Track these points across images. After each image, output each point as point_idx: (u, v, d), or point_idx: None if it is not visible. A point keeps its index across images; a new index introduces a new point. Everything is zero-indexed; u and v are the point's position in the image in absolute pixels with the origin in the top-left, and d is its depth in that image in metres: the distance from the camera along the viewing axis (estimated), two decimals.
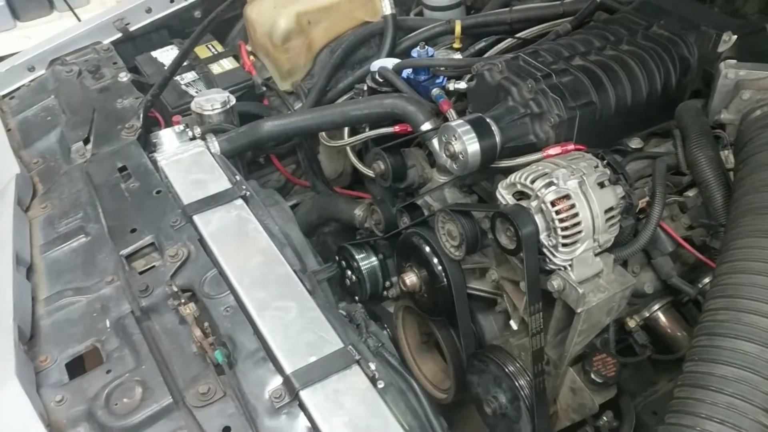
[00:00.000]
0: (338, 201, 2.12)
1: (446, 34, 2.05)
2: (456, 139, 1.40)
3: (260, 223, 1.50)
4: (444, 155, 1.46)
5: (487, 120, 1.42)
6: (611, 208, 1.30)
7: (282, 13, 2.08)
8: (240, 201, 1.54)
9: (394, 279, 1.85)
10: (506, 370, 1.51)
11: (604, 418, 1.51)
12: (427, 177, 1.78)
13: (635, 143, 1.54)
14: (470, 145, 1.39)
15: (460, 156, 1.41)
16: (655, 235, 1.43)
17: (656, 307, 1.55)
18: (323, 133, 2.02)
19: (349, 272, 1.97)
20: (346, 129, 1.98)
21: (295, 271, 1.38)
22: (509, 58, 1.54)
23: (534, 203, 1.28)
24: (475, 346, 1.68)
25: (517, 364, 1.50)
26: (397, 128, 1.80)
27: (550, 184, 1.27)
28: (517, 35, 1.88)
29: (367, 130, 1.91)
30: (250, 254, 1.42)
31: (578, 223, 1.27)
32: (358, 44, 2.17)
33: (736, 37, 1.50)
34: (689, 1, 1.72)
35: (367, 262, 1.94)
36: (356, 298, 1.98)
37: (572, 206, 1.26)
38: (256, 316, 1.29)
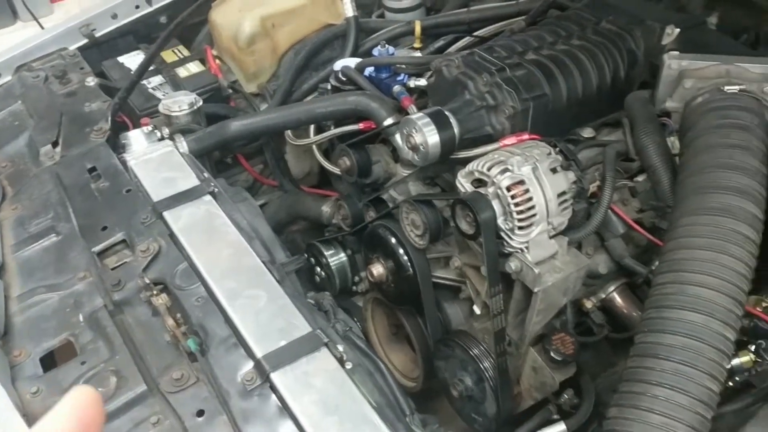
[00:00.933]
0: (306, 199, 2.17)
1: (407, 35, 2.11)
2: (417, 131, 1.46)
3: (229, 217, 1.54)
4: (406, 147, 1.52)
5: (446, 113, 1.48)
6: (563, 192, 1.37)
7: (246, 17, 2.13)
8: (208, 197, 1.58)
9: (363, 274, 1.90)
10: (471, 353, 1.57)
11: (565, 396, 1.57)
12: (392, 172, 1.84)
13: (587, 132, 1.61)
14: (430, 136, 1.45)
15: (421, 147, 1.47)
16: (607, 218, 1.50)
17: (612, 288, 1.62)
18: (289, 132, 2.07)
19: (318, 269, 2.01)
20: (312, 128, 2.03)
21: (263, 262, 1.43)
22: (466, 54, 1.61)
23: (491, 189, 1.35)
24: (441, 332, 1.74)
25: (482, 347, 1.56)
26: (361, 125, 1.85)
27: (505, 170, 1.34)
28: (475, 33, 1.94)
29: (332, 128, 1.96)
30: (220, 247, 1.46)
31: (532, 207, 1.33)
32: (321, 46, 2.22)
33: (678, 30, 1.59)
34: None
35: (336, 258, 1.99)
36: (327, 293, 2.03)
37: (526, 191, 1.33)
38: (227, 305, 1.33)
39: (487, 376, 1.54)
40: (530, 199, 1.33)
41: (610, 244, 1.54)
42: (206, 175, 1.65)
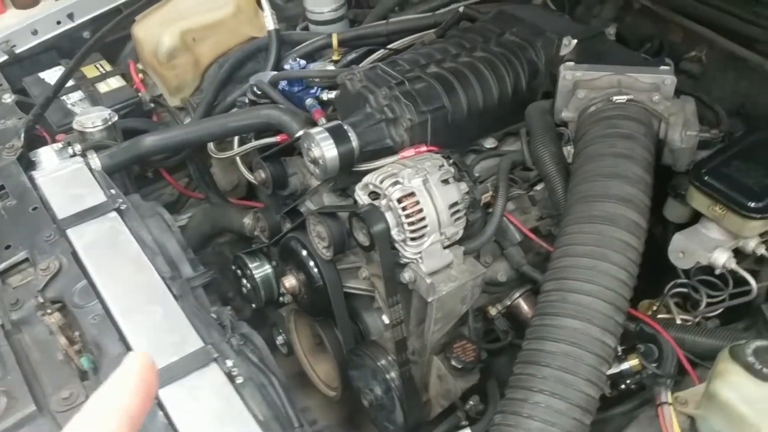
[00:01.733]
0: (229, 211, 2.18)
1: (328, 47, 2.13)
2: (315, 146, 1.48)
3: (134, 234, 1.54)
4: (307, 161, 1.53)
5: (345, 127, 1.51)
6: (455, 203, 1.39)
7: (166, 31, 2.13)
8: (114, 214, 1.58)
9: None
10: (378, 363, 1.59)
11: (471, 402, 1.59)
12: (308, 184, 1.85)
13: (489, 143, 1.65)
14: (328, 150, 1.47)
15: (320, 161, 1.49)
16: (504, 226, 1.53)
17: (517, 294, 1.65)
18: (211, 145, 2.08)
19: (244, 280, 2.02)
20: (236, 140, 2.04)
21: (163, 278, 1.43)
22: (369, 68, 1.63)
23: (384, 202, 1.37)
24: (355, 342, 1.76)
25: (389, 357, 1.58)
26: (279, 138, 1.87)
27: (396, 183, 1.36)
28: (388, 46, 1.97)
29: (253, 140, 1.97)
30: (121, 264, 1.46)
31: (423, 218, 1.36)
32: (245, 59, 2.23)
33: (575, 41, 1.63)
34: (541, 10, 1.85)
35: (260, 269, 1.99)
36: (253, 305, 2.04)
37: (417, 203, 1.35)
38: (122, 322, 1.34)
39: (394, 385, 1.56)
40: (421, 210, 1.35)
41: (508, 253, 1.57)
42: (113, 191, 1.65)
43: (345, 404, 2.05)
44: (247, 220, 2.07)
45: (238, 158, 2.05)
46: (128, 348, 1.29)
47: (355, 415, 2.12)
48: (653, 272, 1.46)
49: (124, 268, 1.46)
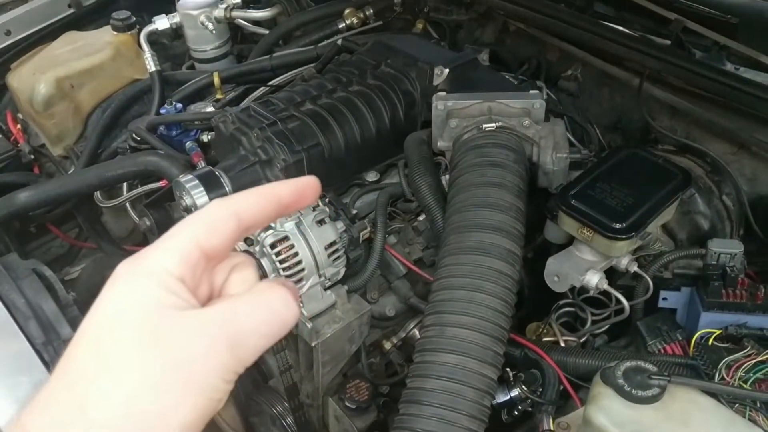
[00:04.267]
0: (120, 259, 2.10)
1: (212, 86, 2.10)
2: (186, 194, 1.44)
3: (3, 299, 1.47)
4: (181, 209, 1.49)
5: (217, 172, 1.47)
6: (333, 243, 1.37)
7: (41, 79, 2.05)
8: None
9: None
10: (274, 410, 1.55)
11: None
12: None
13: (371, 176, 1.63)
14: (199, 198, 1.43)
15: (192, 209, 1.45)
16: (388, 260, 1.52)
17: (411, 326, 1.64)
18: (98, 193, 2.01)
19: None
20: (125, 186, 1.97)
21: (33, 345, 1.37)
22: (241, 109, 1.61)
23: (257, 248, 1.34)
24: (254, 386, 1.71)
25: (285, 404, 1.55)
26: (163, 182, 1.82)
27: (268, 228, 1.33)
28: (268, 83, 1.95)
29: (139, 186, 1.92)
30: None
31: (299, 262, 1.33)
32: (129, 102, 2.16)
33: (448, 70, 1.64)
34: (417, 38, 1.86)
35: None
36: None
37: (291, 246, 1.33)
38: None
39: (292, 431, 1.53)
40: (296, 254, 1.33)
41: (395, 286, 1.56)
42: None
43: None
44: None
45: (127, 204, 1.98)
46: None
47: None
48: (548, 293, 1.48)
49: None
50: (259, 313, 0.56)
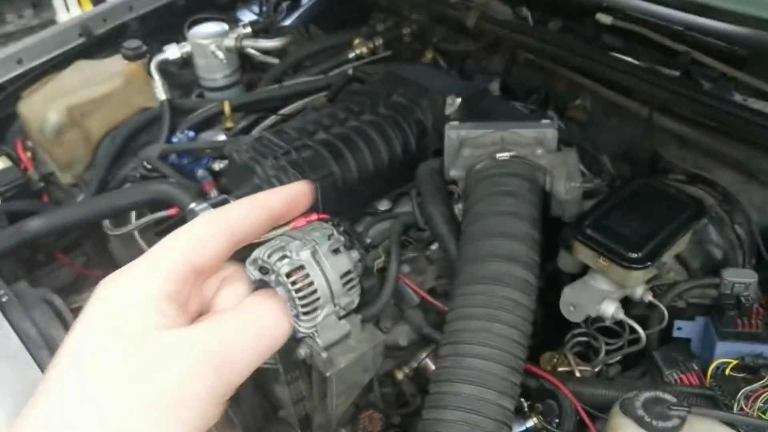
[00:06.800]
0: None
1: (221, 114, 2.11)
2: None
3: (15, 327, 1.46)
4: None
5: (231, 201, 1.47)
6: (348, 272, 1.36)
7: (51, 107, 2.06)
8: None
9: None
10: None
11: None
12: None
13: (384, 205, 1.64)
14: None
15: None
16: (402, 289, 1.52)
17: (424, 355, 1.63)
18: (106, 222, 2.01)
19: None
20: (133, 214, 1.98)
21: None
22: (255, 138, 1.61)
23: (273, 277, 1.33)
24: (262, 418, 1.70)
25: None
26: (171, 211, 1.82)
27: (284, 257, 1.32)
28: (279, 112, 1.96)
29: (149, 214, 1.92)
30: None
31: (315, 291, 1.31)
32: (138, 130, 2.17)
33: (460, 99, 1.65)
34: (428, 68, 1.88)
35: None
36: None
37: (307, 275, 1.32)
38: (3, 428, 1.25)
39: None
40: (312, 283, 1.31)
41: (408, 316, 1.55)
42: None
43: None
44: None
45: (136, 233, 1.98)
46: None
47: None
48: (559, 322, 1.47)
49: (2, 367, 1.38)
50: (247, 331, 0.53)
